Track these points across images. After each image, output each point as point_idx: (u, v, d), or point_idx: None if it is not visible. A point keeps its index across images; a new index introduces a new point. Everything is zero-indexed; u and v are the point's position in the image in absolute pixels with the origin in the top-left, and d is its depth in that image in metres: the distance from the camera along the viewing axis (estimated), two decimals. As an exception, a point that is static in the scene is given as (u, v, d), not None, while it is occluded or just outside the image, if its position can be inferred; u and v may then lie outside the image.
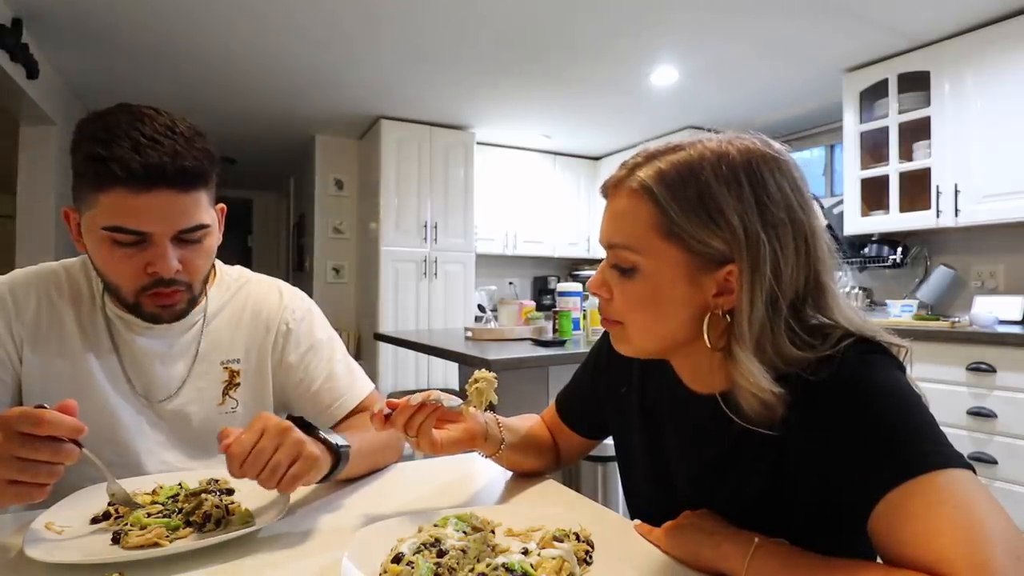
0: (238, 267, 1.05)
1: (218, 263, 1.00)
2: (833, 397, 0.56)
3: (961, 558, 0.46)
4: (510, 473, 0.91)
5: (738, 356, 0.59)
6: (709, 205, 0.59)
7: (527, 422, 0.93)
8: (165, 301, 0.83)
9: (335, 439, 0.78)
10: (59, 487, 0.84)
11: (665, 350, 0.68)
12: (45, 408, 0.60)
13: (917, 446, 0.52)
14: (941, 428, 0.54)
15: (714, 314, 0.61)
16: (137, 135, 0.74)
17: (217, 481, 0.78)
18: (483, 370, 0.78)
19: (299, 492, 0.81)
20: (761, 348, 0.59)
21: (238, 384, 0.97)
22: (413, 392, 0.77)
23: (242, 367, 0.97)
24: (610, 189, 0.66)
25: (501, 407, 0.82)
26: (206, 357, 0.95)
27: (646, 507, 0.78)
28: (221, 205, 0.91)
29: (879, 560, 0.54)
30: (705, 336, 0.62)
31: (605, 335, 0.88)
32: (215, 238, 0.88)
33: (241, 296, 1.00)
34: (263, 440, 0.67)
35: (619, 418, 0.83)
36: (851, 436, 0.55)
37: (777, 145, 0.64)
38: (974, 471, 0.52)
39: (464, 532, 0.62)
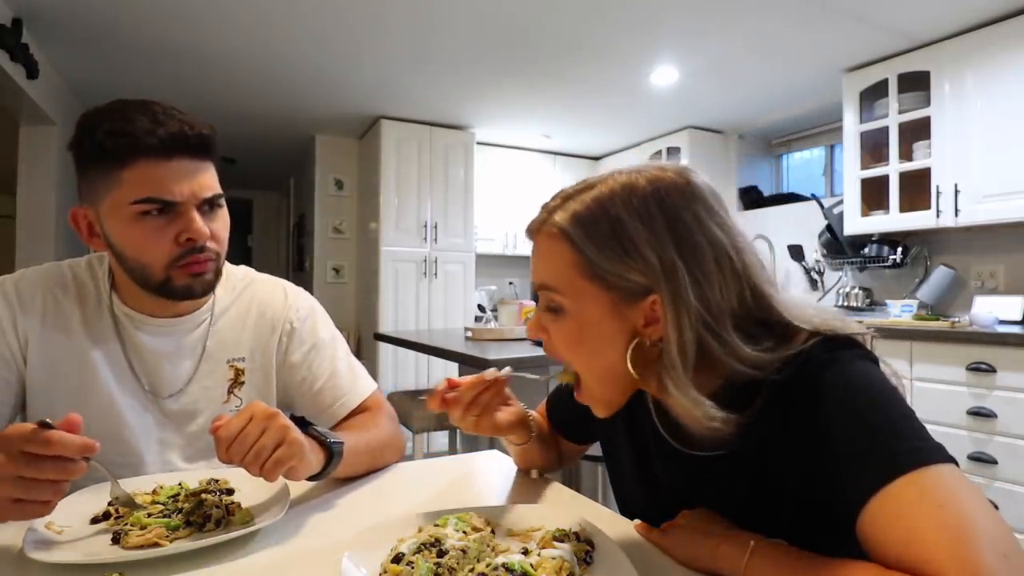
0: (243, 267, 1.05)
1: (225, 264, 1.00)
2: (805, 397, 0.56)
3: (949, 559, 0.45)
4: (510, 473, 0.91)
5: (669, 389, 0.59)
6: (623, 240, 0.59)
7: (542, 419, 0.94)
8: (197, 269, 0.84)
9: (329, 436, 0.78)
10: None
11: (627, 392, 0.66)
12: (51, 425, 0.58)
13: (895, 445, 0.51)
14: (920, 421, 0.53)
15: (641, 343, 0.61)
16: (151, 112, 0.79)
17: (217, 481, 0.78)
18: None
19: (299, 492, 0.81)
20: (709, 365, 0.59)
21: (243, 383, 0.97)
22: (414, 391, 0.77)
23: (247, 366, 0.97)
24: (533, 233, 0.67)
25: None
26: (213, 355, 0.95)
27: (637, 512, 0.78)
28: None
29: None
30: (629, 365, 0.61)
31: None
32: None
33: (247, 296, 1.00)
34: (250, 425, 0.68)
35: (606, 426, 0.83)
36: (827, 440, 0.54)
37: (690, 172, 0.64)
38: (956, 463, 0.51)
39: (464, 532, 0.62)
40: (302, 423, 0.78)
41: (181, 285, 0.84)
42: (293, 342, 1.00)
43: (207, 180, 0.83)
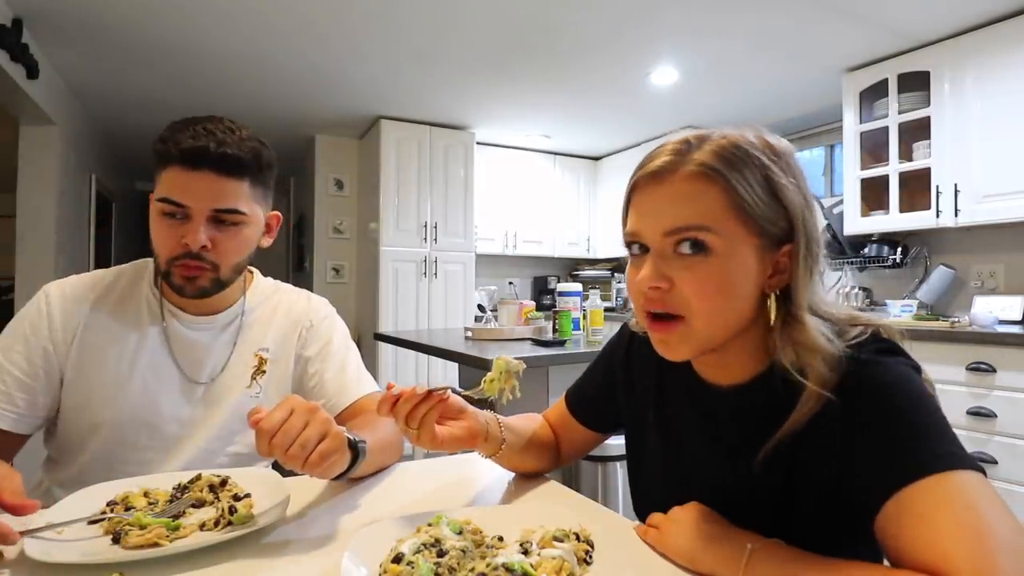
0: (272, 279, 1.15)
1: (256, 273, 1.11)
2: (851, 393, 0.57)
3: (965, 561, 0.46)
4: (511, 474, 0.91)
5: (803, 319, 0.60)
6: (773, 185, 0.60)
7: (529, 423, 0.92)
8: (188, 273, 0.90)
9: (353, 435, 0.78)
10: (59, 487, 0.85)
11: (727, 338, 0.64)
12: None
13: (930, 446, 0.52)
14: (953, 431, 0.54)
15: (766, 294, 0.63)
16: (199, 127, 0.87)
17: (224, 482, 0.78)
18: (504, 356, 0.79)
19: (300, 493, 0.81)
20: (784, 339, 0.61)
21: (264, 371, 1.05)
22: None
23: (270, 356, 1.06)
24: (657, 175, 0.62)
25: (502, 407, 0.82)
26: (242, 346, 1.04)
27: (654, 506, 0.76)
28: (276, 213, 1.02)
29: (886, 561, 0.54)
30: (772, 312, 0.62)
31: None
32: (254, 230, 0.96)
33: (274, 300, 1.10)
34: (293, 417, 0.67)
35: (634, 415, 0.82)
36: (865, 433, 0.55)
37: (778, 138, 0.66)
38: (985, 474, 0.52)
39: (459, 532, 0.62)
40: None
41: (176, 283, 0.92)
42: (310, 337, 1.09)
43: (225, 193, 0.89)
